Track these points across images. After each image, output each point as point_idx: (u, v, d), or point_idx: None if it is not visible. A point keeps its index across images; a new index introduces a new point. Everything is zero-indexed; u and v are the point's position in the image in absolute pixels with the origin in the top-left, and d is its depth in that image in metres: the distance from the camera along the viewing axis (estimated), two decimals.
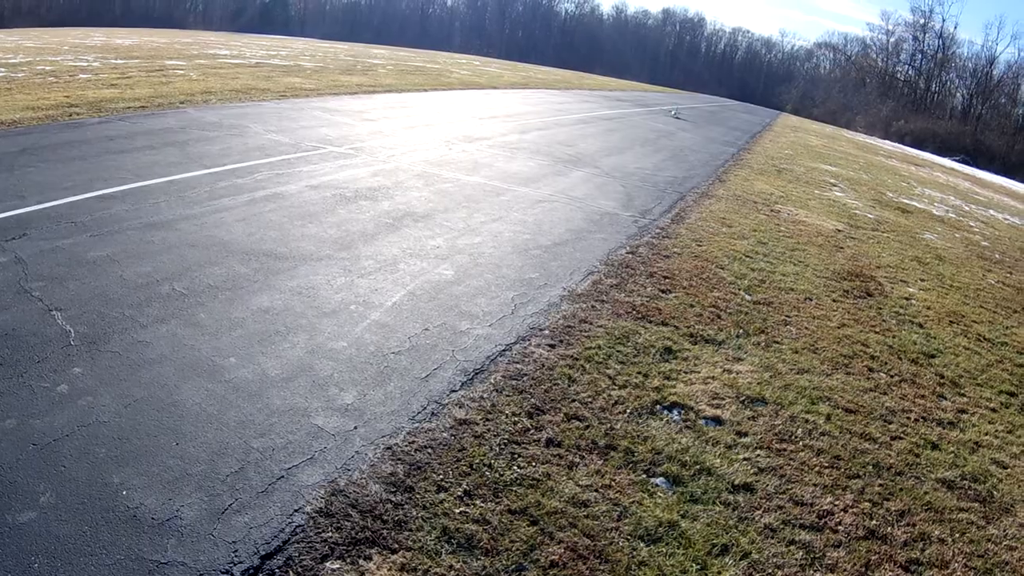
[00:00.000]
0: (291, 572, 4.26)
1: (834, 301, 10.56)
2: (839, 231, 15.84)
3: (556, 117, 28.60)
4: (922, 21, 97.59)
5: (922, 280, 13.01)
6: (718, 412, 6.68)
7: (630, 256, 10.85)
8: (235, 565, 4.28)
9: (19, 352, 6.13)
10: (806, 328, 9.20)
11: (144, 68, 25.45)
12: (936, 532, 5.62)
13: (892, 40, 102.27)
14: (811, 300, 10.36)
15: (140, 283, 7.53)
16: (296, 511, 4.68)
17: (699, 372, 7.40)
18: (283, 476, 4.97)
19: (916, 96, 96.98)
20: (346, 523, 4.62)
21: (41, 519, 4.58)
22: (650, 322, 8.40)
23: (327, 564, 4.30)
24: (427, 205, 11.89)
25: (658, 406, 6.62)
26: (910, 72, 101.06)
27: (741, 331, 8.65)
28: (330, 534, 4.52)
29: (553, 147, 20.28)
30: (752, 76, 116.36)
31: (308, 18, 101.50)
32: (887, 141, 70.18)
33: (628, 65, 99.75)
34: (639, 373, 7.15)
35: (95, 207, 9.49)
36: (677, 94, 69.10)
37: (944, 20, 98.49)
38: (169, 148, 13.29)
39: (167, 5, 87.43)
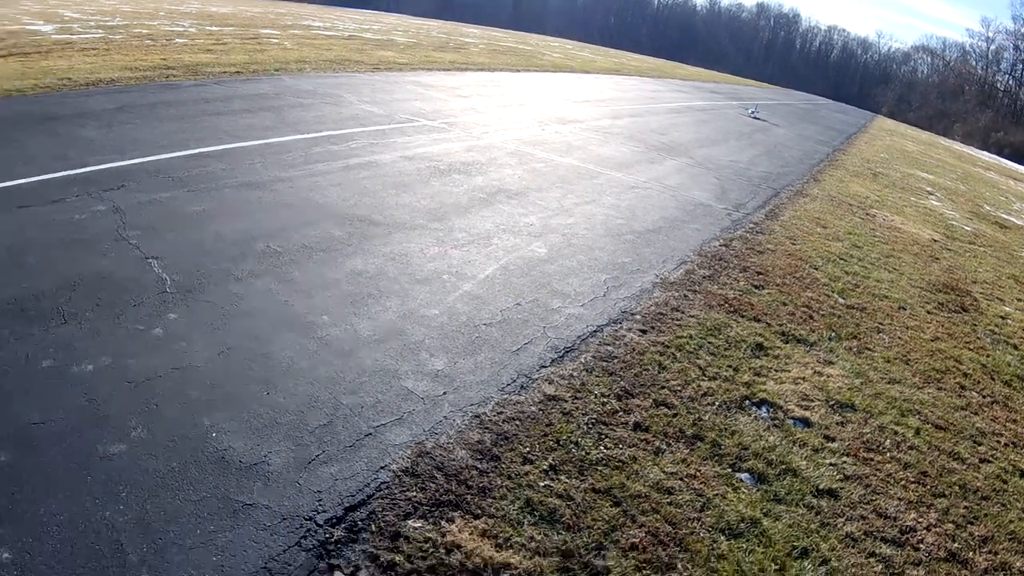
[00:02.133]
0: (374, 526, 4.27)
1: (928, 313, 10.24)
2: (935, 241, 15.38)
3: (648, 105, 28.31)
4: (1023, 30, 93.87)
5: (1019, 299, 12.54)
6: (807, 414, 6.52)
7: (723, 249, 10.66)
8: (319, 513, 4.31)
9: (116, 295, 6.25)
10: (899, 338, 8.93)
11: (239, 36, 25.85)
12: (1018, 564, 5.38)
13: (992, 48, 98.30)
14: (904, 310, 10.06)
15: (236, 239, 7.63)
16: (382, 468, 4.70)
17: (789, 371, 7.23)
18: (371, 433, 4.99)
19: (1016, 108, 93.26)
20: (431, 484, 4.61)
21: (131, 452, 4.67)
22: (742, 316, 8.23)
23: (409, 522, 4.30)
24: (520, 183, 11.84)
25: (747, 401, 6.48)
26: (1010, 82, 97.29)
27: (833, 334, 8.43)
28: (414, 493, 4.52)
29: (646, 134, 20.07)
30: (847, 76, 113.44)
31: None
32: (985, 152, 68.07)
33: (721, 56, 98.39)
34: (729, 367, 7.01)
35: (192, 164, 9.66)
36: (771, 89, 67.81)
37: None
38: (264, 112, 13.45)
39: None
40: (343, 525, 4.28)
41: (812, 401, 6.76)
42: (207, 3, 45.16)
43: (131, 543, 4.21)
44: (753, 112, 33.65)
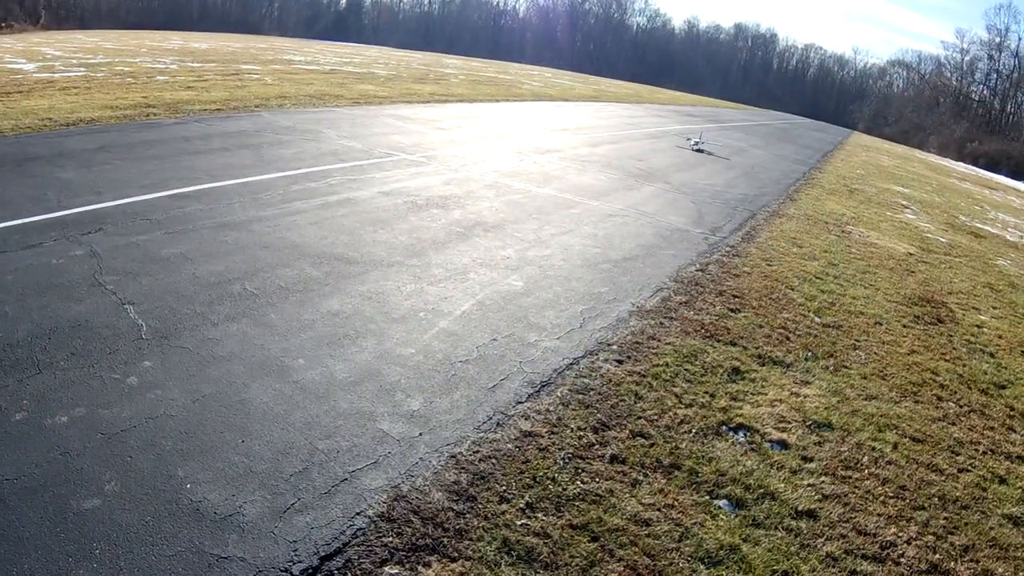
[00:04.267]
0: (350, 574, 4.27)
1: (904, 327, 10.32)
2: (910, 254, 15.51)
3: (627, 131, 28.53)
4: (997, 40, 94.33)
5: (994, 308, 12.66)
6: (784, 436, 6.56)
7: (700, 274, 10.75)
8: (294, 564, 4.32)
9: (91, 343, 6.26)
10: (875, 353, 9.00)
11: (220, 72, 25.97)
12: (1000, 570, 5.43)
13: (967, 59, 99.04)
14: (881, 325, 10.14)
15: (212, 281, 7.66)
16: (358, 514, 4.71)
17: (766, 394, 7.28)
18: (346, 479, 5.00)
19: (991, 117, 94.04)
20: (407, 529, 4.62)
21: (105, 507, 4.67)
22: (718, 341, 8.30)
23: (386, 569, 4.31)
24: (498, 215, 11.94)
25: (724, 427, 6.53)
26: (985, 92, 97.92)
27: (810, 354, 8.50)
28: (390, 539, 4.53)
29: (624, 161, 20.25)
30: (824, 94, 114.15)
31: (381, 27, 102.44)
32: (960, 163, 68.71)
33: (700, 80, 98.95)
34: (706, 393, 7.06)
35: (170, 205, 9.69)
36: (749, 110, 68.39)
37: (1020, 39, 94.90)
38: (243, 150, 13.52)
39: (243, 10, 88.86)
40: (319, 575, 4.30)
41: (789, 423, 6.81)
42: (189, 39, 45.40)
43: None
44: (696, 144, 26.42)
